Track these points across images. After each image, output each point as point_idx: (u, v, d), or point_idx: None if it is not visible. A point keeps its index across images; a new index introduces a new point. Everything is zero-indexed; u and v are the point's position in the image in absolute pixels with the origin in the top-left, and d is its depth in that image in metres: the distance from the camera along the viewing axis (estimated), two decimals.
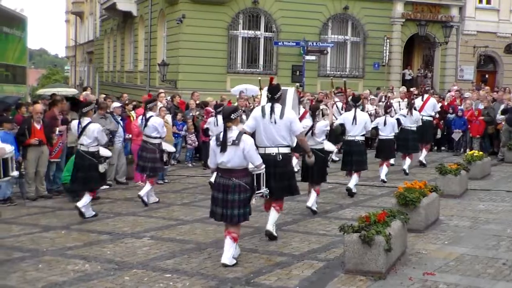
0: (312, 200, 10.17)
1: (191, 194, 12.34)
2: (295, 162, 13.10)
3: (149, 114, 11.35)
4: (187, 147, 16.77)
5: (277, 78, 26.25)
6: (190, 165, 16.44)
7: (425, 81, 28.80)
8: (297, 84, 23.27)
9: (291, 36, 26.44)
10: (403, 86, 23.19)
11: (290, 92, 9.19)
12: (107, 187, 13.03)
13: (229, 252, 7.23)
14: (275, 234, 8.39)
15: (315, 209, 10.22)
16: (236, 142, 7.08)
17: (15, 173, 8.12)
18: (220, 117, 10.87)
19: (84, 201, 9.96)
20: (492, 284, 6.53)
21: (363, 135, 11.85)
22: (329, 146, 10.76)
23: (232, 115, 7.22)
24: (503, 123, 17.36)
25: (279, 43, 26.40)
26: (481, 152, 14.75)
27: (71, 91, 32.04)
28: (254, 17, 27.07)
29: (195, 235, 8.86)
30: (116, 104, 14.35)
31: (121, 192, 12.78)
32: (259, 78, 17.56)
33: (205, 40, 25.59)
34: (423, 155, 16.11)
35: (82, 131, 9.89)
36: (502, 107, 17.58)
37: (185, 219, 10.04)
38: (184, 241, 8.49)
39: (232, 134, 7.15)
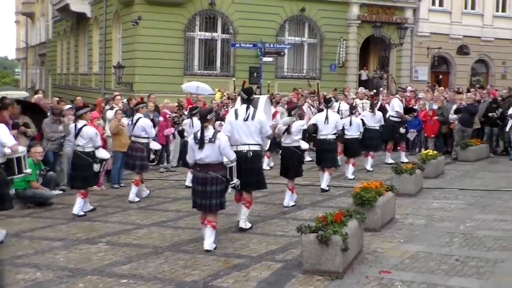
0: (287, 198, 11.07)
1: (148, 198, 12.23)
2: (266, 161, 14.90)
3: (137, 115, 11.99)
4: None
5: (235, 79, 26.48)
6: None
7: (381, 82, 29.20)
8: (255, 86, 23.32)
9: (248, 38, 26.49)
10: (361, 87, 23.45)
11: (263, 99, 9.77)
12: (61, 192, 12.86)
13: (210, 239, 8.02)
14: (247, 227, 9.18)
15: (293, 203, 11.08)
16: (212, 140, 7.93)
17: (29, 170, 9.07)
18: (195, 119, 11.77)
19: (78, 206, 10.47)
20: (445, 280, 6.66)
21: (334, 134, 12.47)
22: (303, 144, 11.33)
23: (208, 115, 8.09)
24: (456, 122, 17.72)
25: (236, 45, 26.42)
26: (435, 151, 15.04)
27: (21, 94, 31.47)
28: (211, 19, 27.04)
29: (151, 239, 8.79)
30: (68, 106, 14.11)
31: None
32: (233, 79, 17.80)
33: (162, 42, 25.43)
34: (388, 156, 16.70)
35: (78, 132, 10.49)
36: (455, 107, 17.94)
37: (142, 223, 9.94)
38: (141, 245, 8.41)
39: (209, 132, 7.98)
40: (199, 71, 26.77)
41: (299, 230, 7.08)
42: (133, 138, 11.99)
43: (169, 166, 16.05)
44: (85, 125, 10.61)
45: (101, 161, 10.90)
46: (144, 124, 11.91)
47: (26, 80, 62.28)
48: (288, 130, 10.84)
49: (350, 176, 14.13)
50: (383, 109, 16.98)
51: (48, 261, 7.68)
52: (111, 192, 13.05)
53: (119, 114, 13.39)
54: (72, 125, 10.94)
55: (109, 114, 14.33)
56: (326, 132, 12.29)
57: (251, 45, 26.25)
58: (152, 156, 12.17)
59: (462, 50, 32.08)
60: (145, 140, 11.99)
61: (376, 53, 32.02)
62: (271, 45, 26.70)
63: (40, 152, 12.02)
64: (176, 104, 17.13)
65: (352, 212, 7.84)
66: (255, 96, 9.48)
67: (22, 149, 8.68)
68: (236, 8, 26.91)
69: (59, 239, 8.89)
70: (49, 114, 13.57)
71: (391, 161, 16.18)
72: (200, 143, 7.94)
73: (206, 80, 24.32)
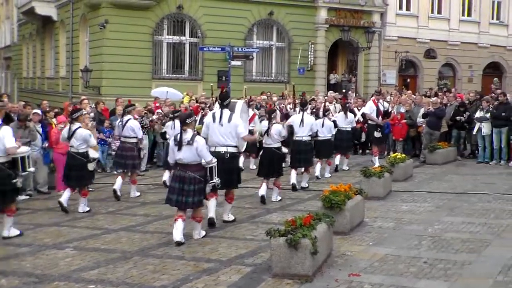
0: (275, 194, 11.95)
1: (116, 202, 12.14)
2: (253, 161, 16.03)
3: (126, 117, 12.81)
4: (112, 154, 16.41)
5: (203, 83, 26.50)
6: (115, 172, 16.14)
7: (349, 85, 29.46)
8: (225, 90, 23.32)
9: (217, 42, 26.48)
10: (331, 91, 23.60)
11: (239, 103, 10.59)
12: (27, 197, 12.69)
13: (196, 230, 8.94)
14: (230, 219, 10.06)
15: (279, 198, 11.98)
16: (190, 142, 8.58)
17: (32, 169, 9.98)
18: (177, 121, 12.20)
19: (82, 205, 11.22)
20: (414, 282, 6.75)
21: (309, 136, 13.19)
22: (284, 149, 12.21)
23: (187, 120, 8.82)
24: (423, 126, 17.95)
25: (204, 49, 26.39)
26: (404, 155, 15.19)
27: None
28: (179, 23, 26.94)
29: (120, 243, 8.72)
30: (35, 110, 13.93)
31: (42, 202, 12.43)
32: (211, 84, 18.01)
33: (129, 46, 25.25)
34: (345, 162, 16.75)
35: (72, 134, 11.07)
36: (422, 110, 18.16)
37: (110, 227, 9.86)
38: (109, 250, 8.35)
39: (187, 135, 8.65)
40: (167, 75, 26.66)
41: (268, 233, 7.10)
42: (122, 139, 12.88)
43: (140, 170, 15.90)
44: (79, 127, 11.19)
45: (94, 160, 11.67)
46: (133, 125, 12.75)
47: None
48: (267, 132, 11.61)
49: (327, 174, 15.20)
50: (352, 112, 17.19)
51: (14, 267, 7.57)
52: (78, 197, 12.86)
53: (87, 118, 13.23)
54: (67, 128, 11.45)
55: None
56: (302, 134, 12.90)
57: (220, 49, 26.26)
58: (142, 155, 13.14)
59: (429, 54, 32.51)
60: (134, 140, 12.82)
61: (345, 57, 32.27)
62: (240, 49, 26.76)
63: None
64: (144, 108, 17.06)
65: (321, 215, 7.87)
66: (232, 100, 10.23)
67: (25, 149, 9.52)
68: (204, 11, 26.87)
69: (25, 244, 8.76)
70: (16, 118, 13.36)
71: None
72: (179, 144, 8.62)
73: (174, 84, 24.35)
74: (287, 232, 7.00)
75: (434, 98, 18.96)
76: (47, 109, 15.34)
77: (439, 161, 17.13)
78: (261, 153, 12.52)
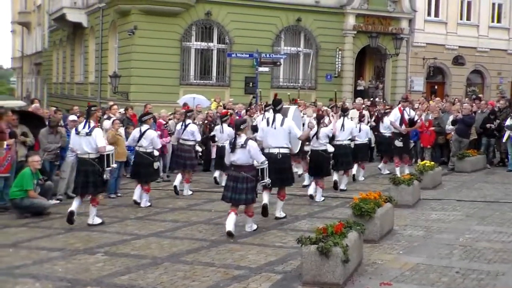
0: (318, 196, 12.65)
1: (145, 208, 12.19)
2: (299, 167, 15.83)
3: (187, 121, 13.91)
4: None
5: (230, 89, 26.67)
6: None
7: (376, 92, 29.31)
8: (252, 95, 23.38)
9: (244, 48, 26.60)
10: (359, 98, 23.49)
11: (292, 109, 12.05)
12: (58, 201, 12.83)
13: (248, 224, 9.92)
14: (281, 216, 10.87)
15: (322, 198, 12.67)
16: (243, 146, 9.60)
17: (115, 165, 11.45)
18: (225, 125, 14.09)
19: (92, 215, 10.78)
20: None
21: (349, 140, 14.13)
22: (330, 148, 12.82)
23: (242, 125, 9.93)
24: (452, 133, 17.74)
25: (232, 55, 26.54)
26: (432, 162, 15.02)
27: (17, 103, 31.31)
28: (207, 29, 27.12)
29: (150, 249, 8.75)
30: (73, 117, 14.09)
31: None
32: (259, 90, 18.27)
33: (158, 52, 25.49)
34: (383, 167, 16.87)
35: (141, 135, 12.36)
36: (451, 118, 17.95)
37: (140, 233, 9.90)
38: (139, 256, 8.37)
39: (241, 139, 9.66)
40: (195, 81, 26.84)
41: (299, 241, 7.06)
42: (181, 141, 13.89)
43: (164, 176, 16.01)
44: (148, 128, 12.55)
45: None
46: (193, 129, 13.85)
47: (21, 89, 62.14)
48: (316, 136, 12.49)
49: (361, 177, 15.81)
50: (380, 120, 17.09)
51: (47, 271, 7.63)
52: (108, 202, 12.99)
53: (117, 124, 13.39)
54: (137, 129, 12.75)
55: (106, 124, 14.31)
56: (342, 138, 13.78)
57: (247, 55, 26.40)
58: (156, 166, 12.89)
59: (458, 61, 32.23)
60: (192, 143, 13.90)
61: (372, 63, 32.17)
62: (267, 55, 26.85)
63: (37, 161, 11.97)
64: (170, 113, 17.15)
65: (352, 223, 7.82)
66: (284, 106, 11.52)
67: (109, 148, 10.96)
68: (232, 18, 26.99)
69: (57, 249, 8.84)
70: (47, 123, 13.58)
71: (387, 172, 16.43)
72: (233, 147, 9.64)
73: (202, 90, 24.51)
74: (318, 240, 6.95)
75: (466, 105, 18.70)
76: (78, 114, 15.48)
77: (468, 169, 16.90)
78: (308, 154, 13.48)
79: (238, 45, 26.93)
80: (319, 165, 12.62)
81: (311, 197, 12.60)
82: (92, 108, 10.97)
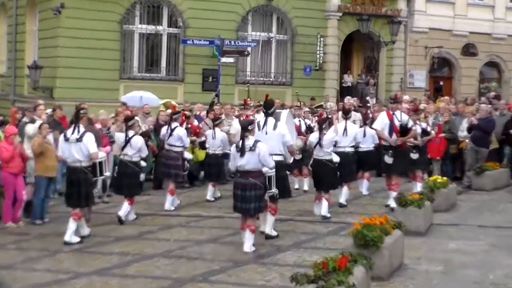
0: (324, 209, 13.25)
1: (87, 237, 11.93)
2: (306, 182, 16.53)
3: (173, 124, 14.70)
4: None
5: (184, 86, 26.62)
6: None
7: (367, 89, 29.48)
8: (214, 94, 23.32)
9: (202, 33, 26.56)
10: (348, 97, 23.60)
11: (285, 112, 12.76)
12: None
13: (249, 241, 10.68)
14: (273, 234, 11.62)
15: (329, 215, 13.24)
16: (252, 149, 10.56)
17: (108, 173, 13.14)
18: (217, 130, 15.53)
19: (71, 230, 11.56)
20: None
21: (352, 147, 14.61)
22: (335, 157, 13.43)
23: (249, 126, 10.92)
24: (467, 141, 17.82)
25: (187, 42, 26.45)
26: (444, 178, 15.06)
27: None
28: (154, 9, 27.00)
29: None
30: None
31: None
32: (248, 85, 18.30)
33: (91, 37, 25.24)
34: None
35: (127, 142, 13.32)
36: (465, 122, 18.05)
37: (79, 271, 9.75)
38: None
39: (249, 142, 10.65)
40: (139, 74, 26.72)
41: (293, 279, 7.00)
42: (167, 147, 14.76)
43: (103, 195, 15.68)
44: (135, 135, 13.46)
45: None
46: (180, 133, 14.65)
47: None
48: (319, 143, 13.21)
49: (365, 191, 16.35)
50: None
51: None
52: (32, 230, 12.75)
53: (45, 129, 13.17)
54: (122, 134, 13.76)
55: (30, 129, 14.01)
56: (345, 144, 14.31)
57: (206, 42, 26.39)
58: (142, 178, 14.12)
59: (469, 50, 32.59)
60: (180, 149, 14.72)
61: (362, 54, 32.45)
62: (231, 43, 26.85)
63: None
64: (111, 115, 16.94)
65: (356, 256, 7.79)
66: (277, 110, 12.32)
67: (102, 154, 12.25)
68: None
69: None
70: None
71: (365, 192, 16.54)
72: (241, 151, 10.61)
73: (148, 86, 24.40)
74: (317, 277, 6.90)
75: (483, 105, 18.85)
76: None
77: (488, 186, 17.04)
78: (310, 164, 14.31)
79: (194, 29, 26.88)
80: (324, 177, 13.30)
81: (324, 217, 13.23)
82: (81, 111, 11.94)
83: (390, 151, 14.47)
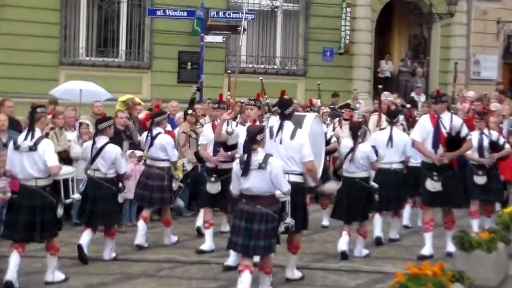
0: (359, 246, 13.99)
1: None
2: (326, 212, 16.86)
3: (156, 130, 15.05)
4: None
5: (152, 75, 26.72)
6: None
7: (413, 82, 29.48)
8: (194, 87, 23.30)
9: (177, 1, 26.75)
10: (386, 92, 23.59)
11: (310, 116, 12.49)
12: None
13: (265, 286, 11.10)
14: (296, 277, 12.17)
15: (366, 253, 14.04)
16: (263, 166, 10.53)
17: (77, 195, 12.88)
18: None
19: (52, 268, 12.14)
20: None
21: (400, 162, 15.06)
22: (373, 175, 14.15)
23: (258, 135, 10.76)
24: None
25: (157, 12, 26.49)
26: None
27: None
28: None
29: None
30: None
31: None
32: (260, 78, 17.84)
33: (21, 5, 25.39)
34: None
35: (97, 153, 13.66)
36: None
37: None
38: None
39: (258, 157, 10.59)
40: (87, 58, 26.93)
41: None
42: (149, 161, 15.47)
43: None
44: (108, 143, 13.74)
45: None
46: (165, 142, 15.03)
47: None
48: (351, 156, 13.73)
49: (395, 235, 15.88)
50: None
51: None
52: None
53: None
54: (89, 143, 14.21)
55: None
56: (390, 159, 14.89)
57: (184, 13, 26.36)
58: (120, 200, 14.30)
59: None
60: (165, 164, 15.14)
61: (405, 31, 32.55)
62: (220, 14, 26.90)
63: None
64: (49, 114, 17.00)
65: None
66: (297, 113, 12.47)
67: (68, 169, 12.72)
68: None
69: None
70: None
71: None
72: (245, 169, 10.57)
73: (100, 75, 24.44)
74: None
75: None
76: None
77: None
78: (339, 185, 14.45)
79: None
80: (357, 203, 13.80)
81: (344, 255, 13.64)
82: (38, 110, 12.01)
83: (435, 173, 14.07)
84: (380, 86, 21.17)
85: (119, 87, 22.97)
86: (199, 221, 15.58)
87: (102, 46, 27.42)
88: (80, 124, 17.50)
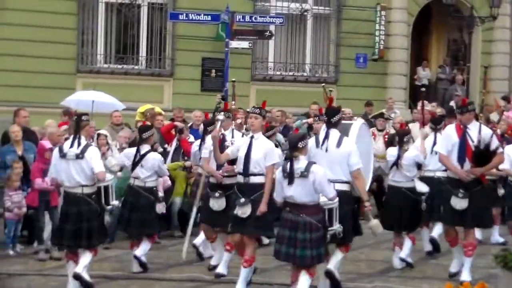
0: (405, 251, 14.48)
1: None
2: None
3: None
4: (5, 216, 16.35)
5: (173, 83, 26.74)
6: (11, 252, 16.10)
7: (453, 90, 29.38)
8: (218, 95, 23.31)
9: (201, 4, 26.87)
10: (431, 103, 23.51)
11: (357, 124, 13.30)
12: None
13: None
14: (337, 277, 12.30)
15: (410, 260, 14.61)
16: (305, 174, 10.93)
17: (116, 202, 13.64)
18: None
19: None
20: None
21: (445, 170, 14.59)
22: (420, 186, 14.30)
23: (300, 143, 11.19)
24: None
25: (179, 17, 26.61)
26: None
27: None
28: None
29: None
30: None
31: None
32: (323, 84, 17.56)
33: (36, 9, 25.52)
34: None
35: (139, 160, 14.39)
36: None
37: None
38: None
39: (300, 164, 11.02)
40: (105, 65, 27.07)
41: None
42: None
43: (44, 248, 15.74)
44: (149, 151, 14.61)
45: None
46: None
47: None
48: (397, 164, 14.20)
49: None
50: None
51: None
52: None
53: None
54: (131, 150, 15.03)
55: None
56: (434, 166, 15.05)
57: (208, 18, 26.44)
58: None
59: None
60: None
61: (444, 36, 32.48)
62: (246, 18, 26.98)
63: None
64: (64, 128, 17.07)
65: None
66: (344, 122, 12.95)
67: (110, 176, 13.13)
68: None
69: None
70: None
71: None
72: (289, 177, 10.99)
73: (120, 84, 24.52)
74: None
75: None
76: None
77: None
78: (384, 196, 15.57)
79: None
80: (403, 213, 14.34)
81: (403, 260, 14.44)
82: (83, 118, 12.68)
83: (461, 190, 13.56)
84: (422, 89, 20.84)
85: (139, 96, 23.09)
86: (198, 239, 15.46)
87: (121, 53, 27.55)
88: (98, 135, 17.37)
